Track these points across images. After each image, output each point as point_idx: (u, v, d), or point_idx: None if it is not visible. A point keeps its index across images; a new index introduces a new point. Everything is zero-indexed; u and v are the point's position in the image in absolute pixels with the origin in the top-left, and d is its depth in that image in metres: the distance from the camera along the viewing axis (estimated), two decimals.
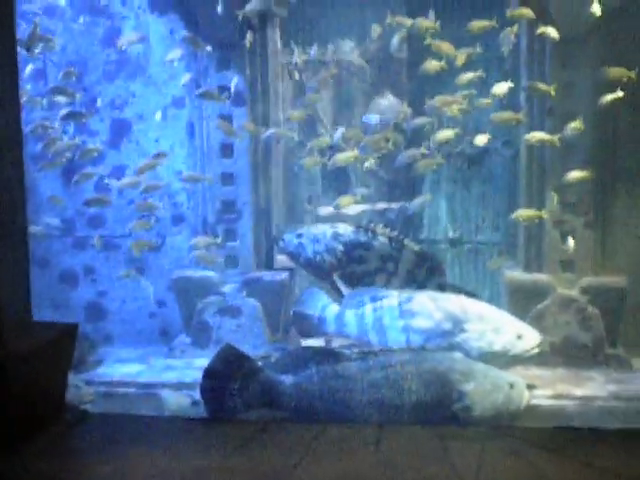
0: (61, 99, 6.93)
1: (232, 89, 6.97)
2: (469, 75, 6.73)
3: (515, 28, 6.59)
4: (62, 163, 7.08)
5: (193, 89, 7.17)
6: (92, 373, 6.91)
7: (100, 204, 7.06)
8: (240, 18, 6.66)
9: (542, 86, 6.67)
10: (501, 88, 6.65)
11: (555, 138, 6.56)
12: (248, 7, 6.65)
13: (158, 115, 7.29)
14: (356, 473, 4.17)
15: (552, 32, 6.43)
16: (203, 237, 7.12)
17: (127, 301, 7.83)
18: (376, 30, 7.12)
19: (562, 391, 6.37)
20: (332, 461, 4.38)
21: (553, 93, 6.63)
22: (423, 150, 6.99)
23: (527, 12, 6.42)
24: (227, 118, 7.14)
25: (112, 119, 7.69)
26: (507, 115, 6.78)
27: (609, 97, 6.44)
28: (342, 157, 6.92)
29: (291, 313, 7.17)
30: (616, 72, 6.42)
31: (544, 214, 6.76)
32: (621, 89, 6.43)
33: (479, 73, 6.77)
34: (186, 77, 7.04)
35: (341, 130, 7.04)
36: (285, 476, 4.13)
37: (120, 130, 7.68)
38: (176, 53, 7.00)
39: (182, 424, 5.48)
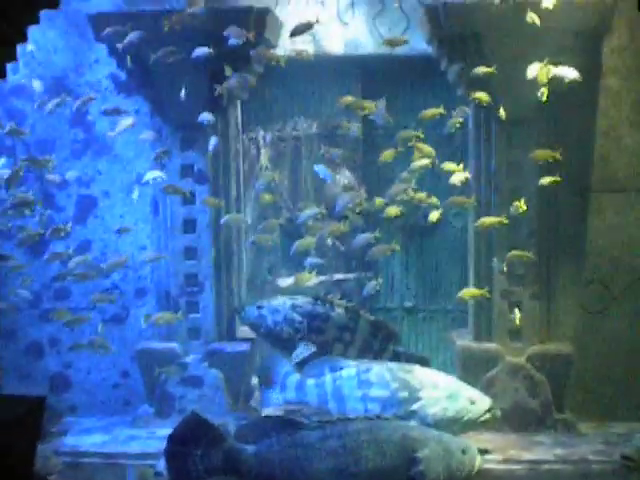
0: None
1: (211, 148, 7.16)
2: (421, 162, 7.10)
3: (460, 119, 6.99)
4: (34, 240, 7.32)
5: (158, 168, 7.40)
6: (57, 443, 7.03)
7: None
8: (217, 93, 6.91)
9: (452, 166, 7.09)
10: (458, 178, 7.01)
11: (504, 219, 6.88)
12: (225, 85, 6.93)
13: (135, 194, 7.46)
14: None
15: (502, 113, 6.83)
16: (165, 313, 7.33)
17: (92, 372, 7.97)
18: (343, 102, 7.21)
19: (512, 455, 6.61)
20: None
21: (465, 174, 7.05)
22: (377, 234, 7.31)
23: (485, 96, 6.82)
24: (191, 195, 7.41)
25: (78, 195, 7.91)
26: (460, 199, 7.14)
27: (547, 179, 6.85)
28: (303, 243, 7.22)
29: (254, 379, 7.38)
30: (542, 154, 6.84)
31: (486, 293, 7.04)
32: (560, 171, 6.87)
33: (429, 161, 7.12)
34: (160, 152, 7.23)
35: (312, 211, 7.32)
36: None
37: (86, 206, 7.91)
38: (149, 134, 7.28)
39: None
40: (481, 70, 6.72)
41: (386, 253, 7.32)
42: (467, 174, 7.09)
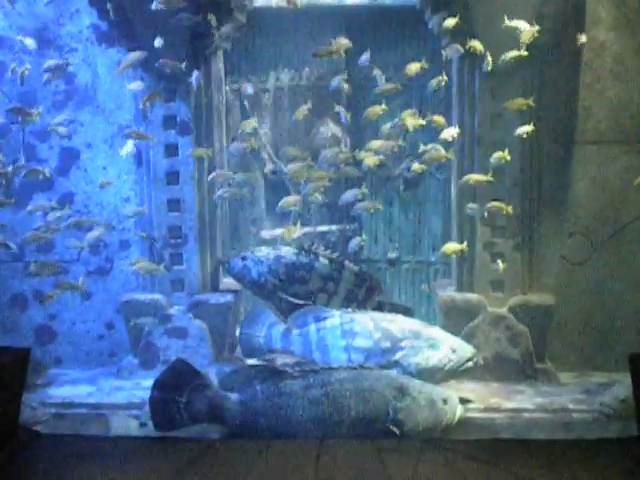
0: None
1: (194, 82, 7.03)
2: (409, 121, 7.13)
3: (444, 76, 7.02)
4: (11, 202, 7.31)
5: (140, 119, 7.39)
6: (43, 394, 7.08)
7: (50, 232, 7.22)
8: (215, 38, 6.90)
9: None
10: (448, 133, 7.04)
11: (490, 177, 6.92)
12: (225, 28, 6.87)
13: (124, 150, 7.28)
14: None
15: (490, 60, 6.82)
16: (146, 262, 7.36)
17: (76, 324, 8.00)
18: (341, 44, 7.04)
19: (493, 404, 6.69)
20: (276, 476, 4.65)
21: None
22: (364, 190, 7.34)
23: (479, 45, 6.78)
24: (173, 147, 7.39)
25: (61, 147, 7.84)
26: (438, 155, 7.17)
27: (523, 129, 6.89)
28: (289, 201, 7.26)
29: (238, 331, 7.45)
30: (516, 103, 6.88)
31: (466, 248, 7.10)
32: (543, 123, 6.95)
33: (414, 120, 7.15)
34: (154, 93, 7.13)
35: (298, 164, 7.32)
36: None
37: (69, 158, 7.85)
38: (137, 85, 7.15)
39: (131, 443, 5.69)
40: (450, 23, 6.74)
41: (369, 210, 7.38)
42: (457, 129, 7.09)
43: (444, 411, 6.10)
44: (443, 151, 7.17)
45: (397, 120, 7.23)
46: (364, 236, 7.80)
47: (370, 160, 7.18)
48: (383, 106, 7.20)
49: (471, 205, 7.18)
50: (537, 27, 6.53)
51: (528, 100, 6.81)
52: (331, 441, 5.45)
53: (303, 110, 7.50)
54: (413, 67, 7.00)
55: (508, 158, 6.82)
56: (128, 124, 7.60)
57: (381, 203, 7.51)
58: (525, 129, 6.86)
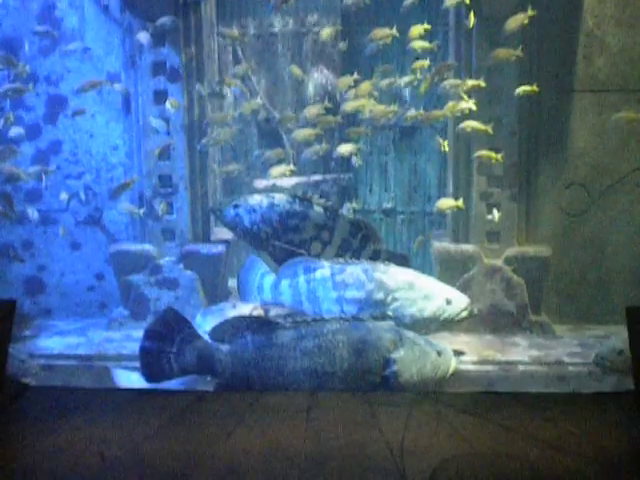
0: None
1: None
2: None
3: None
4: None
5: (128, 66, 7.21)
6: (31, 346, 7.00)
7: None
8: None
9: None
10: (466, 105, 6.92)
11: (489, 128, 6.80)
12: None
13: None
14: (287, 441, 4.36)
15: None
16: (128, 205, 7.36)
17: (66, 275, 7.90)
18: None
19: (487, 357, 6.63)
20: (265, 429, 4.57)
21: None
22: (360, 146, 7.29)
23: None
24: (163, 93, 7.23)
25: (48, 94, 7.67)
26: (435, 114, 7.12)
27: (522, 89, 6.79)
28: (278, 170, 7.24)
29: (236, 279, 7.38)
30: (503, 53, 6.74)
31: (461, 204, 7.00)
32: (541, 71, 6.80)
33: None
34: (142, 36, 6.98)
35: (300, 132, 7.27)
36: (219, 444, 4.31)
37: (56, 105, 7.67)
38: (144, 36, 6.96)
39: (121, 395, 5.62)
40: None
41: (355, 165, 7.33)
42: (472, 105, 6.92)
43: (438, 364, 6.02)
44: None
45: (393, 79, 7.13)
46: (354, 204, 7.72)
47: (352, 105, 7.09)
48: (355, 76, 7.20)
49: (437, 138, 7.15)
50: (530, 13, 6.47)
51: (517, 50, 6.66)
52: (322, 393, 5.37)
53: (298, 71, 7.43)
54: (417, 44, 6.89)
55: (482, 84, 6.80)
56: (117, 71, 7.41)
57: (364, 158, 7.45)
58: (524, 89, 6.76)
